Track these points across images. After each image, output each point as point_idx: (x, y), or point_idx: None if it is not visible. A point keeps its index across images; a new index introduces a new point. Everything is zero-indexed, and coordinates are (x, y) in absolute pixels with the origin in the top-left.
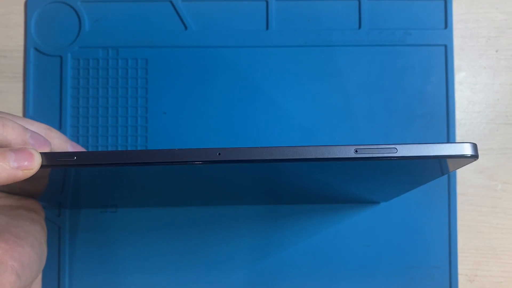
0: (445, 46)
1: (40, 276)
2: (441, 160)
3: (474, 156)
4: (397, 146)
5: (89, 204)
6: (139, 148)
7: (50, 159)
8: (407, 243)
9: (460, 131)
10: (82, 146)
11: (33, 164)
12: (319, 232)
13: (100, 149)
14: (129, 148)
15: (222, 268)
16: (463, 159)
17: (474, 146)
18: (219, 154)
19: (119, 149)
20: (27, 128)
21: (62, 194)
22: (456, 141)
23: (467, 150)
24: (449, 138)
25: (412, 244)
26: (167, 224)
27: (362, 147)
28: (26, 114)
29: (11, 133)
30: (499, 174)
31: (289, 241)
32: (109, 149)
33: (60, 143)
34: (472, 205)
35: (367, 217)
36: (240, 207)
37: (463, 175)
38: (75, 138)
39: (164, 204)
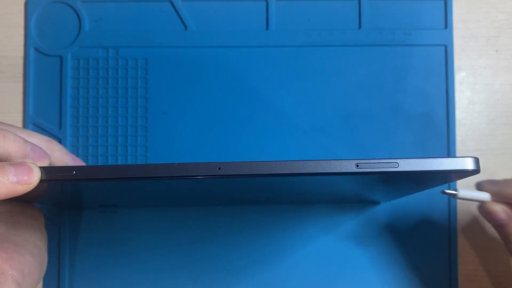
0: (445, 46)
1: (41, 283)
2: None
3: (476, 171)
4: (398, 161)
5: (89, 205)
6: (139, 149)
7: (49, 173)
8: (407, 243)
9: (460, 131)
10: (82, 145)
11: (32, 179)
12: (319, 232)
13: (99, 149)
14: (129, 148)
15: (222, 268)
16: (465, 173)
17: (476, 161)
18: (219, 168)
19: (119, 149)
20: (27, 141)
21: (62, 196)
22: (457, 147)
23: (469, 164)
24: (449, 138)
25: (412, 244)
26: (167, 224)
27: (363, 161)
28: (26, 114)
29: (12, 145)
30: (499, 174)
31: (289, 241)
32: (109, 149)
33: (61, 155)
34: (472, 205)
35: (367, 217)
36: (240, 208)
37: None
38: (75, 138)
39: (164, 204)
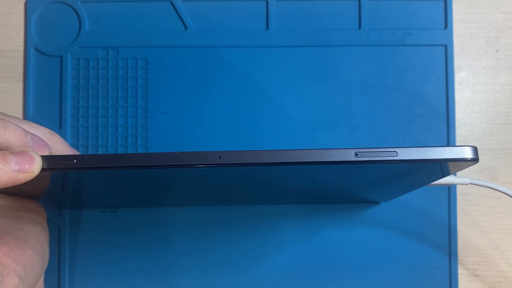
0: (445, 46)
1: (42, 278)
2: (441, 163)
3: (475, 160)
4: (397, 150)
5: (89, 204)
6: (139, 149)
7: (51, 162)
8: (407, 243)
9: (460, 131)
10: (82, 146)
11: (33, 167)
12: (319, 232)
13: (100, 149)
14: (129, 148)
15: (222, 269)
16: (463, 162)
17: (475, 150)
18: (219, 157)
19: (119, 149)
20: (27, 131)
21: (62, 195)
22: (457, 144)
23: (468, 153)
24: (449, 138)
25: (412, 244)
26: (167, 224)
27: (362, 150)
28: (26, 114)
29: (12, 135)
30: (499, 174)
31: (289, 241)
32: (109, 149)
33: (62, 148)
34: (472, 205)
35: (367, 217)
36: (240, 207)
37: (463, 175)
38: (75, 138)
39: (164, 204)
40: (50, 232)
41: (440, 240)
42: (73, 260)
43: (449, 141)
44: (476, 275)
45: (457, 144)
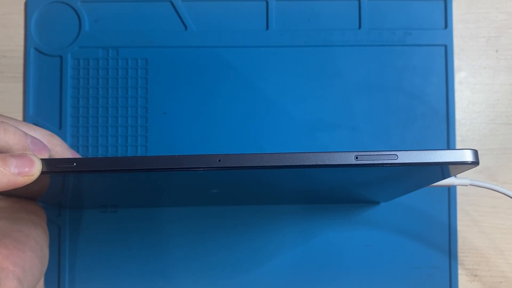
0: (445, 46)
1: (42, 279)
2: (442, 166)
3: (475, 163)
4: (397, 153)
5: (89, 204)
6: (139, 148)
7: (50, 165)
8: (407, 243)
9: (460, 131)
10: (82, 145)
11: (33, 170)
12: (319, 232)
13: (100, 149)
14: (129, 148)
15: (222, 269)
16: (464, 165)
17: (475, 153)
18: (219, 160)
19: (119, 149)
20: (27, 134)
21: (62, 195)
22: (457, 145)
23: (468, 156)
24: (449, 138)
25: (412, 244)
26: (166, 224)
27: (362, 153)
28: (26, 114)
29: (12, 138)
30: (499, 174)
31: (289, 241)
32: (109, 149)
33: (62, 150)
34: (472, 205)
35: (367, 217)
36: (240, 207)
37: (463, 176)
38: (75, 138)
39: (164, 204)
40: (50, 232)
41: (440, 240)
42: (73, 260)
43: (449, 141)
44: (476, 275)
45: (457, 145)
